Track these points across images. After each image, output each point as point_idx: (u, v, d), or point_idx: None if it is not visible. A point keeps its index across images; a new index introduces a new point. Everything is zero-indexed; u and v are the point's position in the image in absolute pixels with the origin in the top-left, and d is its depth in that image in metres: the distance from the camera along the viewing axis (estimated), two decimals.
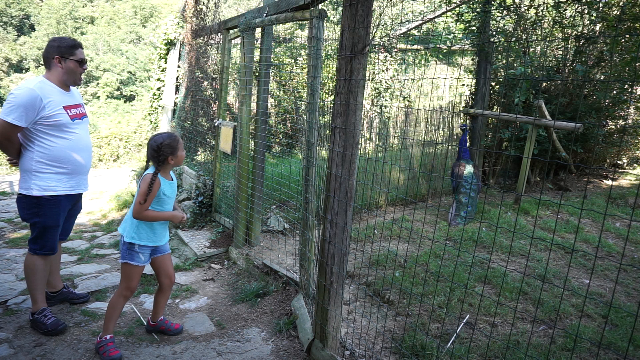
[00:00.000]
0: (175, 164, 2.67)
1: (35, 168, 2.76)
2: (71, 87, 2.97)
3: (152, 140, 2.61)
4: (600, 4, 5.82)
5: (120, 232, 2.67)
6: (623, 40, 5.70)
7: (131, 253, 2.62)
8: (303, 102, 5.64)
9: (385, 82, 8.46)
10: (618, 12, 5.84)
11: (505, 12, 6.04)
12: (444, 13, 7.44)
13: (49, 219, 2.84)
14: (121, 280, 2.70)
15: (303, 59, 7.97)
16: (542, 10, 6.05)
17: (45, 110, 2.71)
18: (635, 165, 7.38)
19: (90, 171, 3.16)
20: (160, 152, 2.58)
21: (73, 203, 3.03)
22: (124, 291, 2.68)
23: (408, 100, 8.68)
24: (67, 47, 2.82)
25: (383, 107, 8.23)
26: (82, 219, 6.16)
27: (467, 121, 6.03)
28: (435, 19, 8.11)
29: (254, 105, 4.10)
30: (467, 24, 6.07)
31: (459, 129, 5.11)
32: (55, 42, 2.83)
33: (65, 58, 2.81)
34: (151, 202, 2.58)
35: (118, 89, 28.29)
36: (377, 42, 7.88)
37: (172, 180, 2.74)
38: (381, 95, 8.48)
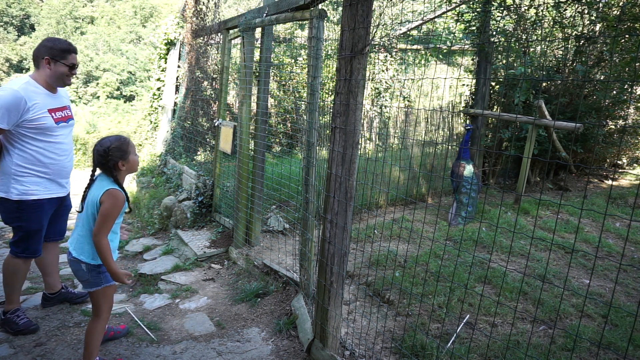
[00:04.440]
0: (128, 170, 2.33)
1: (13, 172, 2.67)
2: (58, 88, 2.87)
3: (98, 145, 2.27)
4: (600, 4, 5.81)
5: (77, 256, 2.29)
6: (623, 40, 5.70)
7: (106, 274, 2.31)
8: (303, 102, 5.64)
9: (385, 82, 8.46)
10: (618, 12, 5.84)
11: (505, 12, 6.04)
12: (444, 13, 7.43)
13: (32, 223, 2.77)
14: (100, 306, 2.38)
15: (303, 59, 7.97)
16: (542, 10, 6.04)
17: (29, 113, 2.61)
18: (635, 165, 7.38)
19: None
20: (109, 157, 2.24)
21: (57, 205, 2.96)
22: (105, 314, 2.40)
23: (408, 100, 8.67)
24: (59, 50, 2.71)
25: (383, 107, 8.22)
26: None
27: (467, 121, 6.04)
28: (435, 19, 8.10)
29: (254, 105, 4.10)
30: (467, 24, 6.07)
31: (465, 128, 5.09)
32: (49, 43, 2.72)
33: (55, 60, 2.70)
34: (113, 225, 2.25)
35: (118, 89, 28.31)
36: (377, 42, 7.88)
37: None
38: (381, 95, 8.48)
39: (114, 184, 2.27)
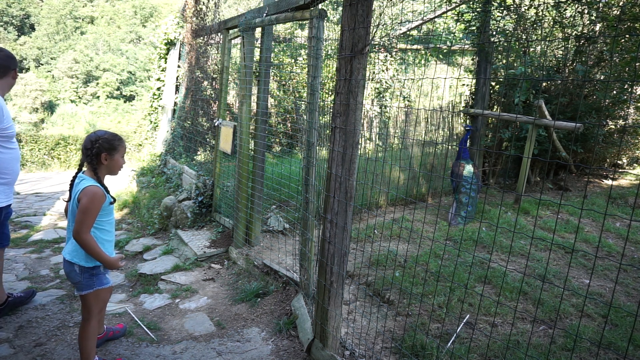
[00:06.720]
0: (109, 168, 2.29)
1: None
2: None
3: (92, 133, 2.28)
4: (600, 4, 5.81)
5: (70, 259, 2.28)
6: (623, 40, 5.70)
7: (99, 277, 2.32)
8: (303, 102, 5.64)
9: (385, 82, 8.46)
10: (618, 12, 5.84)
11: (505, 12, 6.04)
12: (444, 13, 7.43)
13: None
14: (91, 309, 2.34)
15: (303, 59, 7.97)
16: (542, 10, 6.04)
17: (4, 123, 2.68)
18: (635, 165, 7.38)
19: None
20: (96, 145, 2.21)
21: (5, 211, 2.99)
22: (94, 317, 2.37)
23: (408, 100, 8.67)
24: (16, 62, 2.94)
25: (383, 107, 8.22)
26: None
27: (467, 121, 6.04)
28: (435, 19, 8.10)
29: (254, 105, 4.10)
30: (467, 24, 6.07)
31: (464, 129, 5.10)
32: (11, 54, 2.86)
33: (17, 73, 2.93)
34: (94, 221, 2.22)
35: (118, 89, 28.33)
36: (377, 42, 7.88)
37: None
38: (381, 95, 8.48)
39: (91, 181, 2.24)
